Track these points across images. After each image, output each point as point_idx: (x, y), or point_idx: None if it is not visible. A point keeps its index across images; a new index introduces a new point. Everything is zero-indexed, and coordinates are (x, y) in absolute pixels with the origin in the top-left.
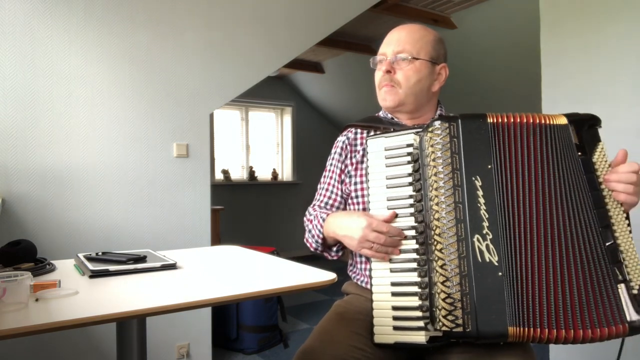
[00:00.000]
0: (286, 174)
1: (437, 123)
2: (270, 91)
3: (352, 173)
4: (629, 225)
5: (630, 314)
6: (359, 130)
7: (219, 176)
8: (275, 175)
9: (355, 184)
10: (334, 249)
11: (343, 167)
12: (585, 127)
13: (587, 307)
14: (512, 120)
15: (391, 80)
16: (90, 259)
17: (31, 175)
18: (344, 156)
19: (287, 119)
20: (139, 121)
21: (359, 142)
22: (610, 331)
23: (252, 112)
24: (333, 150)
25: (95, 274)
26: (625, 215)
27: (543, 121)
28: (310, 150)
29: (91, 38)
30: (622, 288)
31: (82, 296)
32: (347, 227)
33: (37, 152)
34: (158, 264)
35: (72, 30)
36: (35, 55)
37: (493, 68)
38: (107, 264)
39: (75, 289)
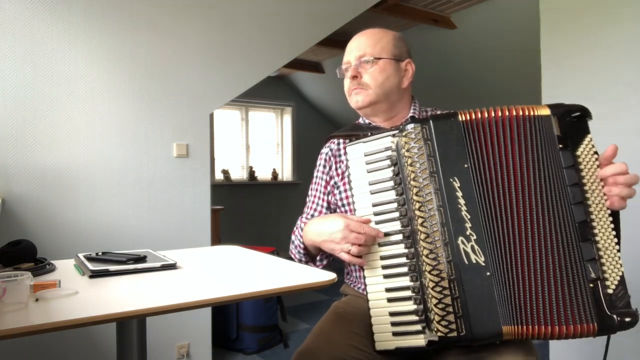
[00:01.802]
0: (286, 174)
1: (409, 127)
2: (270, 91)
3: (340, 183)
4: (612, 222)
5: (599, 314)
6: (341, 140)
7: (219, 176)
8: (275, 175)
9: (341, 192)
10: (317, 257)
11: (328, 178)
12: (569, 118)
13: (562, 304)
14: (485, 115)
15: (359, 84)
16: (90, 259)
17: (31, 175)
18: (328, 168)
19: (287, 119)
20: (139, 121)
21: (342, 152)
22: (582, 329)
23: (252, 112)
24: (317, 163)
25: (95, 274)
26: (609, 211)
27: (523, 113)
28: (310, 150)
29: (91, 38)
30: (594, 286)
31: (82, 296)
32: (325, 231)
33: (37, 152)
34: (158, 264)
35: (72, 30)
36: (36, 56)
37: (493, 68)
38: (107, 264)
39: (75, 289)
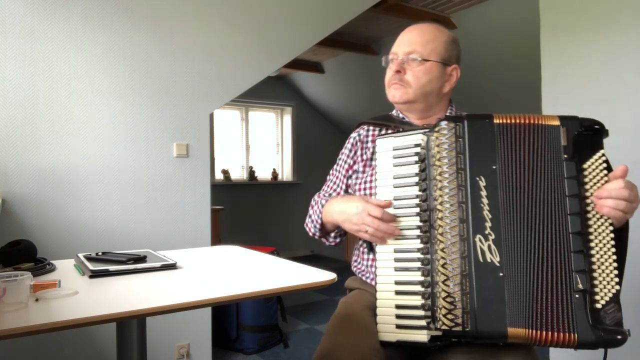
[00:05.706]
0: (286, 174)
1: (443, 123)
2: (270, 91)
3: (361, 170)
4: (613, 239)
5: (582, 326)
6: (371, 128)
7: (219, 176)
8: (275, 175)
9: (363, 182)
10: (332, 234)
11: (352, 162)
12: (579, 130)
13: (550, 311)
14: (518, 121)
15: (400, 80)
16: (90, 259)
17: (31, 175)
18: (353, 152)
19: (287, 119)
20: (139, 121)
21: (370, 139)
22: (564, 338)
23: (252, 112)
24: (345, 146)
25: (95, 274)
26: (610, 225)
27: (540, 122)
28: (310, 150)
29: (91, 38)
30: (579, 297)
31: (82, 296)
32: (344, 211)
33: (37, 152)
34: (158, 264)
35: (72, 30)
36: (35, 55)
37: (493, 68)
38: (107, 264)
39: (75, 289)
